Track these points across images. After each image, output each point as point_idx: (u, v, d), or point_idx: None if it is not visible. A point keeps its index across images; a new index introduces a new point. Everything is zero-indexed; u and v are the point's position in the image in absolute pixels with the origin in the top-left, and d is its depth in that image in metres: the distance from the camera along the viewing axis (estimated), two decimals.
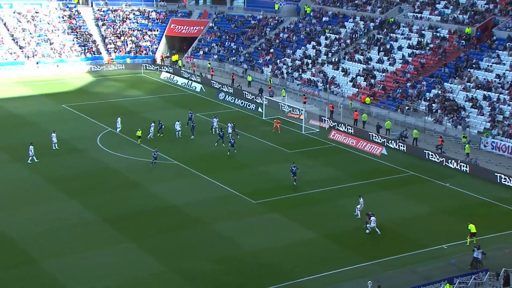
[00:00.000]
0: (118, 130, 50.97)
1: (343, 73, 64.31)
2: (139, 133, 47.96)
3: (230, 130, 49.33)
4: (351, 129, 52.57)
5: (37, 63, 74.37)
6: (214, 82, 69.34)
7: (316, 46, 70.34)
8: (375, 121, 54.59)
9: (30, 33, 77.58)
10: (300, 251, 32.19)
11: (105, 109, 59.16)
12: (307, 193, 39.92)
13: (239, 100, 63.04)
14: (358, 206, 36.22)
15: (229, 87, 66.89)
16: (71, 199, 37.52)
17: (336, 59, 66.65)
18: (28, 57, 74.41)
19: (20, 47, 75.41)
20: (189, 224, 34.91)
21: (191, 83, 69.97)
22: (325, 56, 68.33)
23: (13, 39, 76.27)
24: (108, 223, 34.45)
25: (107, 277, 28.86)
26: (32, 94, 64.54)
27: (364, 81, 62.05)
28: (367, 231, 34.05)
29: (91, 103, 61.47)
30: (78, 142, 48.56)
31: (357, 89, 61.51)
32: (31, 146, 43.63)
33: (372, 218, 34.02)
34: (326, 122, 54.59)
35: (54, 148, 46.74)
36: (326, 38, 70.81)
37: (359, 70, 63.48)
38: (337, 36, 70.14)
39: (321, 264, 30.85)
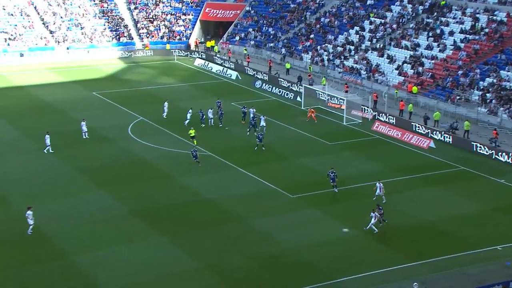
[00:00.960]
0: (164, 114, 51.50)
1: (388, 60, 63.36)
2: (192, 132, 45.59)
3: (263, 123, 48.83)
4: (396, 120, 51.81)
5: (68, 48, 75.68)
6: (250, 69, 69.30)
7: (360, 32, 69.47)
8: (422, 111, 53.67)
9: (61, 17, 78.94)
10: (340, 249, 31.97)
11: (136, 97, 59.83)
12: (348, 187, 39.55)
13: (277, 88, 62.86)
14: (379, 192, 35.79)
15: (266, 75, 66.75)
16: (102, 190, 38.10)
17: (381, 45, 65.70)
18: (58, 42, 75.79)
19: (51, 32, 76.85)
20: (223, 219, 35.03)
21: (226, 70, 70.10)
22: (369, 42, 67.44)
23: (43, 23, 77.76)
24: (139, 217, 34.85)
25: (139, 273, 29.21)
26: (62, 80, 65.73)
27: (411, 69, 61.01)
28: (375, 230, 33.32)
29: (122, 90, 62.25)
30: (109, 131, 49.24)
31: (403, 78, 60.55)
32: (47, 136, 44.16)
33: (372, 214, 33.26)
34: (369, 112, 53.94)
35: (84, 137, 47.48)
36: (371, 23, 69.82)
37: (406, 57, 62.44)
38: (383, 21, 69.09)
39: (362, 264, 30.56)
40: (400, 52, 63.64)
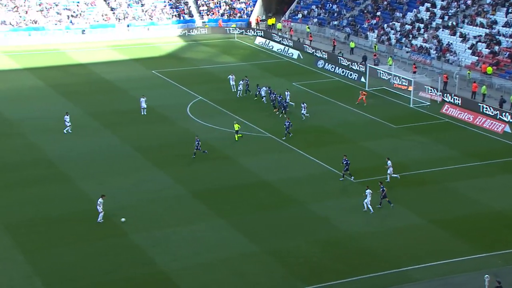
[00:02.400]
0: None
1: (461, 39, 61.37)
2: (236, 126, 44.04)
3: (303, 111, 47.18)
4: (467, 103, 50.27)
5: (128, 26, 77.08)
6: (312, 48, 68.66)
7: (430, 8, 67.51)
8: (497, 94, 51.83)
9: None
10: (405, 237, 31.48)
11: (196, 76, 60.42)
12: (414, 173, 38.80)
13: (340, 68, 62.09)
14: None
15: (326, 53, 65.91)
16: (161, 170, 38.81)
17: (454, 23, 63.64)
18: (119, 19, 77.28)
19: (112, 9, 78.41)
20: (282, 202, 35.08)
21: (288, 49, 69.72)
22: (440, 20, 65.46)
23: (104, 0, 79.38)
24: (198, 198, 35.34)
25: (198, 254, 29.70)
26: (122, 58, 67.09)
27: (486, 48, 58.91)
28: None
29: (182, 69, 62.99)
30: (167, 110, 49.98)
31: (477, 57, 58.59)
32: (66, 116, 44.68)
33: (368, 191, 33.21)
34: (438, 94, 52.55)
35: (142, 113, 48.33)
36: None
37: (481, 36, 60.29)
38: None
39: (428, 253, 30.02)
40: (474, 30, 61.48)
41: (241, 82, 53.31)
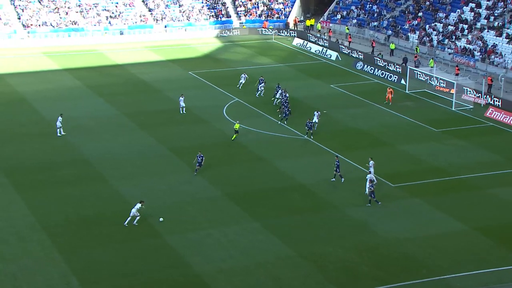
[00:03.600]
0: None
1: (507, 40, 59.96)
2: (236, 126, 44.03)
3: (315, 119, 45.52)
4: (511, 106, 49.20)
5: (165, 26, 77.82)
6: (347, 49, 68.14)
7: (475, 8, 66.22)
8: None
9: None
10: (445, 244, 30.85)
11: (232, 77, 60.45)
12: (456, 178, 38.06)
13: (379, 70, 61.42)
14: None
15: (361, 54, 65.32)
16: (196, 172, 38.88)
17: (500, 24, 62.29)
18: (156, 20, 78.08)
19: (150, 10, 79.29)
20: (319, 206, 34.79)
21: (326, 50, 69.31)
22: (486, 20, 64.16)
23: (143, 1, 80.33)
24: (233, 200, 35.33)
25: (233, 258, 29.66)
26: (159, 59, 67.71)
27: None
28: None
29: (218, 70, 63.20)
30: (204, 111, 50.16)
31: None
32: (60, 117, 44.52)
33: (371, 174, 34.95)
34: (482, 97, 51.44)
35: (181, 112, 48.80)
36: None
37: None
38: None
39: (470, 261, 29.38)
40: None
41: (262, 84, 53.11)
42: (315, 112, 46.12)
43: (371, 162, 37.41)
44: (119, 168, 39.62)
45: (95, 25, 75.07)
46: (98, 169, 39.25)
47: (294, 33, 77.16)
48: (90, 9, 76.77)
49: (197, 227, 32.41)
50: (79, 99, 53.73)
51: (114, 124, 47.37)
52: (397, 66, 61.35)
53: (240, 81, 56.14)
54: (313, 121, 45.26)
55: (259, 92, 53.61)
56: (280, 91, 51.28)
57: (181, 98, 49.36)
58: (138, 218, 32.31)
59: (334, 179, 37.59)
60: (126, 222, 32.25)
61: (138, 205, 32.34)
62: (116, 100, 53.06)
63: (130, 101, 53.17)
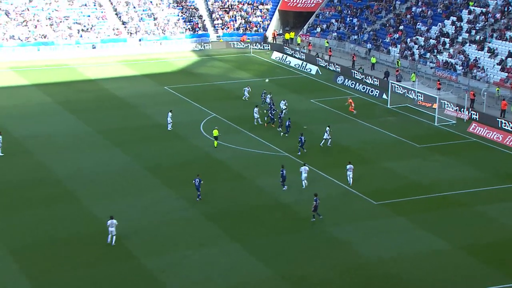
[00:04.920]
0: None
1: (489, 54, 61.11)
2: (215, 132, 45.49)
3: (326, 136, 45.94)
4: (496, 122, 49.89)
5: (140, 40, 77.82)
6: (325, 62, 68.83)
7: (456, 22, 67.42)
8: None
9: (134, 7, 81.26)
10: (431, 264, 31.10)
11: (210, 92, 60.65)
12: (439, 195, 38.46)
13: (360, 85, 62.05)
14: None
15: (338, 67, 66.04)
16: (172, 190, 38.82)
17: (481, 37, 63.44)
18: (130, 33, 78.07)
19: (123, 23, 79.29)
20: (300, 225, 34.87)
21: (306, 64, 69.89)
22: (467, 34, 65.31)
23: (116, 14, 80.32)
24: (211, 220, 35.25)
25: (211, 280, 29.55)
26: (134, 74, 67.60)
27: None
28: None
29: (195, 85, 63.29)
30: (180, 128, 50.09)
31: (506, 74, 58.22)
32: None
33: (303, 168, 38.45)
34: (465, 112, 52.21)
35: (168, 128, 49.05)
36: (470, 12, 67.59)
37: (511, 51, 59.96)
38: (484, 10, 66.73)
39: (456, 281, 29.64)
40: (503, 45, 61.23)
41: (268, 97, 53.59)
42: (327, 128, 46.26)
43: (349, 166, 39.44)
44: (92, 187, 39.36)
45: (66, 38, 74.81)
46: (70, 189, 38.95)
47: (270, 46, 77.70)
48: (60, 22, 76.51)
49: (174, 248, 32.27)
50: (49, 116, 53.35)
51: (87, 142, 47.09)
52: (378, 80, 62.06)
53: (245, 94, 56.76)
54: (324, 137, 45.78)
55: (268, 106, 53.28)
56: (269, 96, 52.76)
57: (169, 113, 49.46)
58: (114, 236, 32.02)
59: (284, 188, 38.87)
60: (113, 242, 32.00)
61: (115, 221, 32.06)
62: (88, 117, 52.79)
63: (103, 117, 52.94)
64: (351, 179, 39.44)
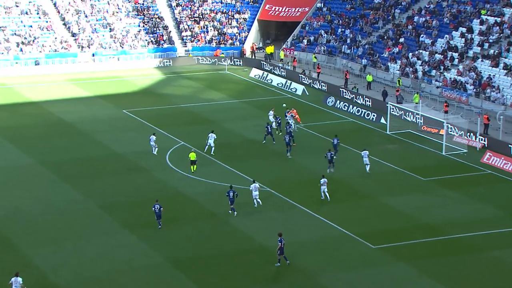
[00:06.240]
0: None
1: (505, 71, 62.26)
2: (192, 155, 47.53)
3: (366, 160, 47.80)
4: None
5: (93, 55, 78.09)
6: (309, 79, 69.62)
7: (466, 34, 68.76)
8: None
9: (86, 16, 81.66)
10: None
11: (177, 116, 60.89)
12: (448, 237, 38.81)
13: (354, 107, 62.74)
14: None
15: (328, 86, 66.72)
16: (134, 235, 38.65)
17: (496, 52, 64.72)
18: (82, 47, 78.35)
19: (73, 35, 79.57)
20: (284, 273, 34.90)
21: (290, 83, 70.59)
22: (479, 48, 66.59)
23: (64, 24, 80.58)
24: (178, 268, 35.17)
25: None
26: (86, 95, 67.69)
27: None
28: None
29: (159, 108, 63.52)
30: (142, 158, 50.18)
31: None
32: None
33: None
34: (477, 139, 52.98)
35: (154, 153, 50.36)
36: (482, 23, 69.00)
37: None
38: (499, 19, 68.12)
39: None
40: None
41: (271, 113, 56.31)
42: (364, 153, 47.87)
43: (323, 180, 42.74)
44: (35, 231, 39.08)
45: (2, 53, 74.73)
46: (6, 234, 38.60)
47: (248, 62, 78.29)
48: None
49: None
50: None
51: (28, 176, 46.86)
52: (375, 102, 62.76)
53: (208, 142, 51.27)
54: (366, 163, 47.88)
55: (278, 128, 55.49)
56: (272, 113, 56.40)
57: (152, 137, 50.20)
58: None
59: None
60: None
61: (20, 279, 31.09)
62: (30, 146, 52.64)
63: (48, 147, 52.84)
64: (324, 194, 42.78)
